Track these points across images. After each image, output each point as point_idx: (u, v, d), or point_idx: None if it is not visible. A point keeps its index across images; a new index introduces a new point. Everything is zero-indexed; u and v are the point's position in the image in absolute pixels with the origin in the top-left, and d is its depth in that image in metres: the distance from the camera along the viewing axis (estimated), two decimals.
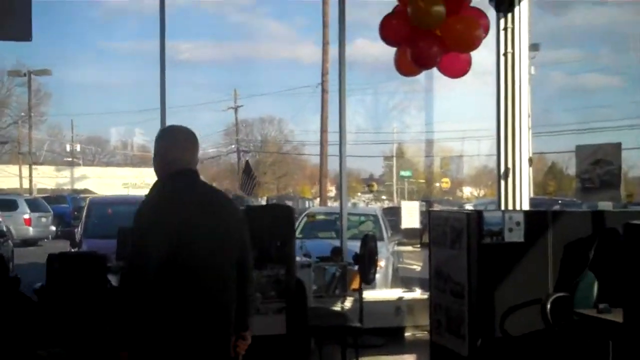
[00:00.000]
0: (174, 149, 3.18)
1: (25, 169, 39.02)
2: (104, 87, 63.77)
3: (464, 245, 5.09)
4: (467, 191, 46.35)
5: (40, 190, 34.66)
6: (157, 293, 2.91)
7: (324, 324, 5.91)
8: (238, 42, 68.90)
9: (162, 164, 3.16)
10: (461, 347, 5.15)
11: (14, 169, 39.65)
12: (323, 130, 26.06)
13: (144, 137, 55.49)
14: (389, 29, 5.75)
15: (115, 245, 6.78)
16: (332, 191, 56.89)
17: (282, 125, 49.08)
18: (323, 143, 26.38)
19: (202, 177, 3.28)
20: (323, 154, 26.54)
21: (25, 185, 37.79)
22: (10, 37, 6.65)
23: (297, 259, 7.22)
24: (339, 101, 7.86)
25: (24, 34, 6.44)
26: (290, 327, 5.53)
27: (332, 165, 27.37)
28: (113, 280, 6.14)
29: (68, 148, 51.02)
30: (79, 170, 43.05)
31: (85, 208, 9.91)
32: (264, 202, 31.05)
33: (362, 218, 11.48)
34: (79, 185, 39.63)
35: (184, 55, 57.44)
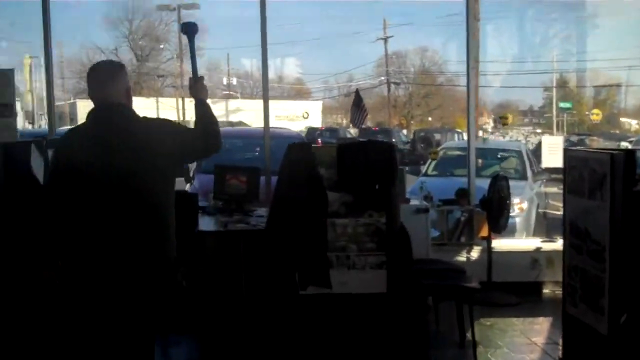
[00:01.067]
0: (92, 86, 3.31)
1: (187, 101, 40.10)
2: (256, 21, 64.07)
3: (607, 194, 3.97)
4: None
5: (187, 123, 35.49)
6: (73, 218, 3.16)
7: (435, 281, 5.02)
8: None
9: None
10: (599, 323, 4.09)
11: (173, 102, 40.92)
12: (473, 60, 24.40)
13: (299, 70, 55.73)
14: None
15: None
16: (489, 124, 54.56)
17: (435, 56, 47.20)
18: (472, 73, 24.69)
19: (129, 110, 3.32)
20: (473, 85, 24.88)
21: (189, 117, 38.87)
22: None
23: (415, 201, 6.33)
24: (467, 28, 6.90)
25: None
26: (391, 284, 4.69)
27: (489, 96, 25.67)
28: (206, 221, 5.57)
29: (225, 81, 52.22)
30: (234, 103, 43.77)
31: None
32: (410, 136, 30.10)
33: (504, 154, 10.30)
34: (233, 118, 40.28)
35: None
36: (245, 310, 5.22)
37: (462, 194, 6.58)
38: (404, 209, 6.01)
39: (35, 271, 3.37)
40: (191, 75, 3.58)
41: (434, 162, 10.37)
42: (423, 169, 10.48)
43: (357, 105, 6.48)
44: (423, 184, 6.83)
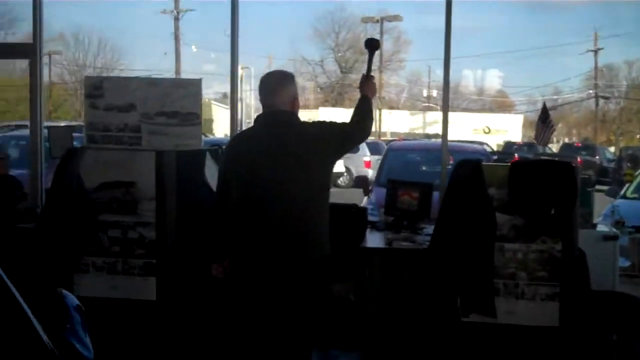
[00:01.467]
0: (262, 93, 3.63)
1: (384, 113, 40.48)
2: (460, 31, 63.13)
3: None
4: None
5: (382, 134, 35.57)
6: (236, 219, 3.44)
7: (619, 316, 4.52)
8: None
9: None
10: None
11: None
12: None
13: (501, 82, 54.28)
14: None
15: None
16: None
17: None
18: None
19: (290, 117, 3.56)
20: None
21: (383, 128, 39.18)
22: None
23: (603, 227, 5.79)
24: None
25: None
26: (565, 318, 4.28)
27: None
28: (372, 237, 5.44)
29: (425, 93, 52.10)
30: (432, 115, 43.46)
31: (383, 154, 9.36)
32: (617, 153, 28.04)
33: None
34: (430, 130, 40.03)
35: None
36: (406, 332, 5.02)
37: None
38: (589, 235, 5.52)
39: (206, 268, 3.66)
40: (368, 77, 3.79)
41: (635, 184, 9.51)
42: (622, 191, 9.64)
43: (543, 121, 6.03)
44: (615, 208, 6.22)
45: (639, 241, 6.02)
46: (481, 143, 31.83)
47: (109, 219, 4.54)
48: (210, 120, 46.00)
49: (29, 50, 6.61)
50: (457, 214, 4.35)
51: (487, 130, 39.31)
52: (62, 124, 15.89)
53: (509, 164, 4.41)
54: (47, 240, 4.48)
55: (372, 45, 3.84)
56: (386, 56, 45.71)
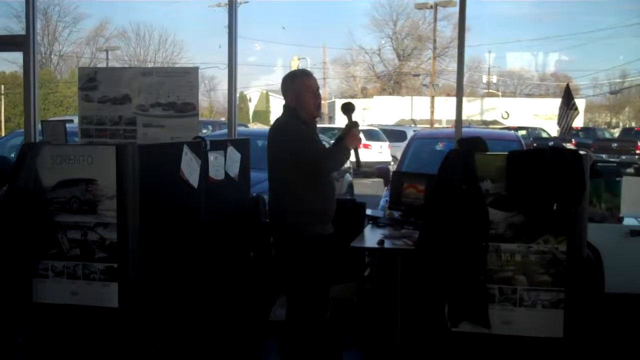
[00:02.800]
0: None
1: (438, 100, 39.58)
2: (516, 18, 61.43)
3: None
4: None
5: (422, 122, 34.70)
6: None
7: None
8: None
9: None
10: None
11: (427, 100, 40.62)
12: None
13: (564, 66, 52.59)
14: None
15: None
16: None
17: None
18: None
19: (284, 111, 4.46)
20: None
21: (437, 116, 38.31)
22: None
23: (632, 220, 5.17)
24: None
25: None
26: (570, 328, 3.72)
27: None
28: (368, 234, 4.96)
29: (484, 79, 50.86)
30: (490, 102, 42.36)
31: (407, 142, 8.79)
32: None
33: None
34: (488, 116, 39.00)
35: None
36: (400, 338, 4.54)
37: None
38: (614, 230, 4.94)
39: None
40: None
41: None
42: None
43: (567, 103, 5.42)
44: None
45: None
46: (542, 129, 30.85)
47: (68, 219, 4.18)
48: (268, 112, 45.98)
49: (22, 42, 6.35)
50: (446, 210, 3.84)
51: (505, 116, 38.06)
52: (57, 118, 15.86)
53: (507, 153, 3.84)
54: (2, 243, 4.16)
55: (348, 108, 4.43)
56: (444, 42, 44.65)
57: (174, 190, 4.57)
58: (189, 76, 6.13)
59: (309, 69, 4.89)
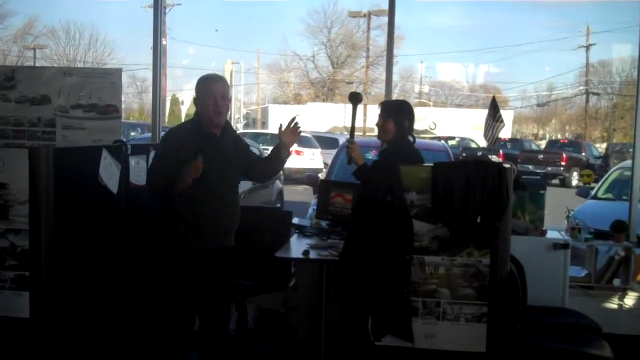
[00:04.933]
0: None
1: (371, 109, 39.84)
2: (448, 29, 62.66)
3: None
4: None
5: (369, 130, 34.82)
6: None
7: (553, 342, 3.96)
8: None
9: None
10: None
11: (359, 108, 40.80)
12: None
13: (493, 77, 53.73)
14: None
15: None
16: None
17: None
18: None
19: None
20: None
21: (369, 124, 38.54)
22: None
23: (555, 233, 5.23)
24: None
25: None
26: (492, 343, 3.71)
27: None
28: (293, 244, 4.88)
29: (417, 89, 51.52)
30: (423, 111, 42.92)
31: (337, 150, 8.75)
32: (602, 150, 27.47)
33: None
34: (419, 126, 39.49)
35: None
36: (324, 350, 4.48)
37: (619, 227, 5.33)
38: (538, 243, 4.99)
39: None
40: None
41: (607, 184, 8.95)
42: (593, 191, 9.06)
43: (492, 115, 5.46)
44: (570, 212, 5.65)
45: (596, 249, 5.47)
46: (471, 140, 31.40)
47: None
48: None
49: None
50: (370, 221, 3.78)
51: (432, 127, 38.78)
52: None
53: (432, 165, 3.81)
54: None
55: (357, 98, 4.53)
56: (378, 51, 45.02)
57: (91, 196, 4.39)
58: (111, 77, 5.97)
59: (223, 75, 4.68)
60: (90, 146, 5.11)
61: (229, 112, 4.39)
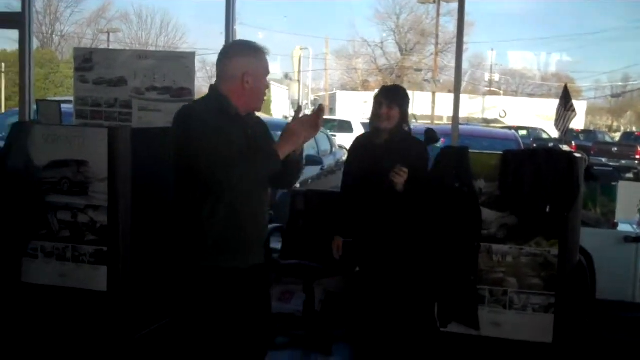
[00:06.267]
0: None
1: (440, 96, 39.51)
2: (520, 16, 61.40)
3: None
4: None
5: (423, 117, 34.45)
6: None
7: (625, 334, 3.92)
8: None
9: None
10: None
11: (429, 95, 40.59)
12: None
13: (567, 67, 52.47)
14: None
15: None
16: None
17: None
18: None
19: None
20: None
21: (438, 112, 38.25)
22: None
23: (627, 226, 5.14)
24: None
25: None
26: (559, 334, 3.69)
27: None
28: None
29: (487, 77, 50.78)
30: (492, 100, 42.30)
31: None
32: None
33: None
34: (489, 115, 38.95)
35: None
36: (389, 335, 4.51)
37: None
38: (608, 236, 4.91)
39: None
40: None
41: None
42: None
43: (564, 105, 5.38)
44: None
45: None
46: (543, 130, 30.83)
47: (58, 200, 4.14)
48: (269, 101, 45.87)
49: (18, 20, 6.27)
50: (438, 209, 3.81)
51: (503, 115, 38.03)
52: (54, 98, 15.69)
53: (501, 153, 3.81)
54: None
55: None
56: (447, 38, 44.49)
57: (166, 175, 4.53)
58: (185, 61, 6.08)
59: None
60: (166, 127, 5.25)
61: (299, 97, 4.36)
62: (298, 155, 3.10)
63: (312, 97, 50.66)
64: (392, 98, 4.23)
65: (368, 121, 4.56)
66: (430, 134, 4.32)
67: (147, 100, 6.08)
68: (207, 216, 2.95)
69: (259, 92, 3.09)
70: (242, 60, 3.05)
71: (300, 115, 2.98)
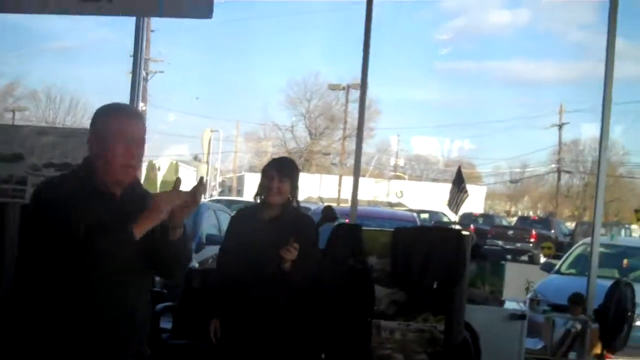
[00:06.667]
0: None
1: (347, 180, 40.24)
2: (425, 103, 64.22)
3: None
4: None
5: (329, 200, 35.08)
6: None
7: None
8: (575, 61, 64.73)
9: None
10: None
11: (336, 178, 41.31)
12: None
13: (468, 153, 54.58)
14: None
15: None
16: None
17: (616, 145, 44.41)
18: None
19: None
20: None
21: (344, 195, 38.90)
22: (190, 14, 5.91)
23: (513, 304, 5.32)
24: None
25: (204, 11, 5.60)
26: None
27: None
28: None
29: (392, 162, 52.25)
30: (397, 184, 43.40)
31: None
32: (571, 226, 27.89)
33: None
34: (393, 199, 39.85)
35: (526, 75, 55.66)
36: None
37: (576, 300, 5.44)
38: (495, 313, 5.07)
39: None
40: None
41: (570, 259, 9.12)
42: (557, 266, 9.24)
43: (457, 185, 5.63)
44: (530, 284, 5.77)
45: (553, 321, 5.57)
46: (444, 214, 31.78)
47: None
48: (154, 182, 45.46)
49: None
50: (331, 284, 3.87)
51: (399, 195, 39.33)
52: None
53: (393, 230, 3.94)
54: None
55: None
56: (355, 124, 45.62)
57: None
58: (84, 138, 6.05)
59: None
60: None
61: (207, 179, 4.23)
62: (178, 238, 2.64)
63: (220, 178, 50.65)
64: (284, 172, 4.00)
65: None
66: (328, 212, 4.33)
67: (43, 177, 5.99)
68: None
69: (108, 157, 2.66)
70: (91, 124, 2.78)
71: (201, 187, 2.64)
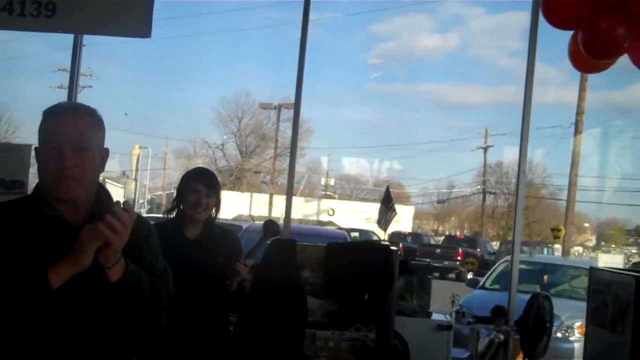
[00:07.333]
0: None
1: (277, 199, 40.41)
2: (355, 124, 65.13)
3: (628, 328, 3.18)
4: None
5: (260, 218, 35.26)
6: None
7: None
8: (501, 85, 66.88)
9: None
10: None
11: (266, 197, 41.40)
12: (573, 173, 23.47)
13: (397, 174, 55.47)
14: None
15: None
16: (591, 240, 51.89)
17: (538, 168, 46.03)
18: (571, 187, 23.58)
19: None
20: (570, 199, 23.67)
21: (275, 213, 39.02)
22: (129, 33, 6.00)
23: (440, 316, 5.58)
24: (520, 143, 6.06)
25: (143, 30, 5.69)
26: None
27: (592, 212, 24.54)
28: None
29: (323, 182, 52.71)
30: (327, 203, 43.75)
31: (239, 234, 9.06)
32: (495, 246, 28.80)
33: (575, 272, 9.32)
34: (324, 217, 40.16)
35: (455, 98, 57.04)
36: None
37: (499, 312, 5.75)
38: (422, 324, 5.31)
39: None
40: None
41: (494, 275, 9.52)
42: (481, 281, 9.62)
43: (386, 204, 5.87)
44: (455, 297, 6.05)
45: (477, 332, 5.85)
46: (373, 232, 32.28)
47: None
48: None
49: None
50: (266, 297, 4.02)
51: (331, 213, 39.89)
52: None
53: (325, 245, 4.14)
54: None
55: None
56: (286, 143, 45.96)
57: None
58: (21, 154, 6.06)
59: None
60: None
61: (135, 196, 4.06)
62: (121, 279, 2.06)
63: (148, 196, 50.03)
64: (211, 186, 3.72)
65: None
66: (271, 226, 3.92)
67: None
68: None
69: (42, 171, 2.16)
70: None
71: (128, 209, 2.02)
